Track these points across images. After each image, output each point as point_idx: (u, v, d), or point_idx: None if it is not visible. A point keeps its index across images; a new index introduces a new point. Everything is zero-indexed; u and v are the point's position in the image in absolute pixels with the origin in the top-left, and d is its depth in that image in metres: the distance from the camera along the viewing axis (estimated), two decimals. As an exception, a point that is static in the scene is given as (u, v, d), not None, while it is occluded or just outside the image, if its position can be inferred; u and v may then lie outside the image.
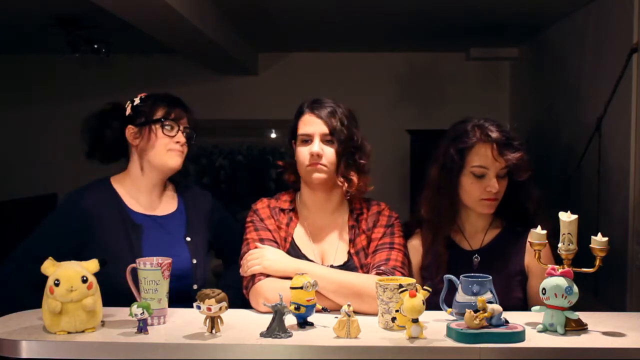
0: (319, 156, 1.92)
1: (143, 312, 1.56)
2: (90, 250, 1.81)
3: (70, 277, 1.56)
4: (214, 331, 1.57)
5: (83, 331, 1.58)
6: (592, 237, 1.63)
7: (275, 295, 1.64)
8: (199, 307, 1.55)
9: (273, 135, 6.24)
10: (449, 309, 1.73)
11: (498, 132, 1.98)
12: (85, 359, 1.52)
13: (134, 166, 2.07)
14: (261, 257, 1.88)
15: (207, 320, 1.57)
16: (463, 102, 5.48)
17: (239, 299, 1.87)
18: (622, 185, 3.35)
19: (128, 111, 2.06)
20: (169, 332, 1.61)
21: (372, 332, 1.60)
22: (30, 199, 5.30)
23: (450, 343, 1.52)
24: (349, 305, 1.55)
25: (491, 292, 1.70)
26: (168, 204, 2.12)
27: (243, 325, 1.66)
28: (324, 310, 1.77)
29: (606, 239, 1.63)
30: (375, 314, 1.70)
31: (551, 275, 1.62)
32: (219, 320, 1.58)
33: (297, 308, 1.62)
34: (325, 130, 1.93)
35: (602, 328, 1.63)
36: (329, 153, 1.93)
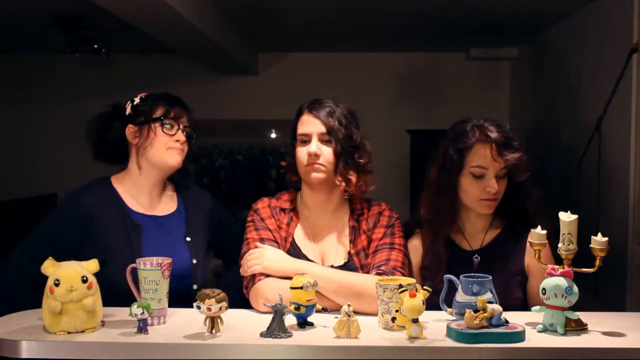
0: (317, 156, 1.92)
1: (143, 312, 1.56)
2: (90, 250, 1.81)
3: (70, 277, 1.56)
4: (214, 331, 1.57)
5: (83, 331, 1.58)
6: (592, 237, 1.63)
7: (275, 295, 1.64)
8: (199, 307, 1.55)
9: (273, 135, 6.24)
10: (449, 309, 1.73)
11: (497, 132, 1.97)
12: (85, 359, 1.52)
13: (133, 165, 2.07)
14: (261, 257, 1.88)
15: (207, 320, 1.57)
16: (463, 102, 5.48)
17: (239, 299, 1.87)
18: (622, 185, 3.35)
19: (128, 110, 2.07)
20: (169, 332, 1.61)
21: (372, 332, 1.60)
22: (30, 199, 5.30)
23: (450, 343, 1.52)
24: (349, 305, 1.55)
25: (491, 292, 1.70)
26: (168, 204, 2.12)
27: (243, 325, 1.66)
28: (324, 310, 1.77)
29: (606, 239, 1.63)
30: (375, 314, 1.70)
31: (551, 275, 1.62)
32: (219, 320, 1.58)
33: (297, 308, 1.62)
34: (323, 129, 1.93)
35: (602, 328, 1.63)
36: (326, 153, 1.93)
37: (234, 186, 6.24)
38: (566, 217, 1.65)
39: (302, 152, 1.95)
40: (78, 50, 4.64)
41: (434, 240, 2.05)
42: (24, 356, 1.52)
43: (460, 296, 1.71)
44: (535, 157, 2.13)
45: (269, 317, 1.58)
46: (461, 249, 2.07)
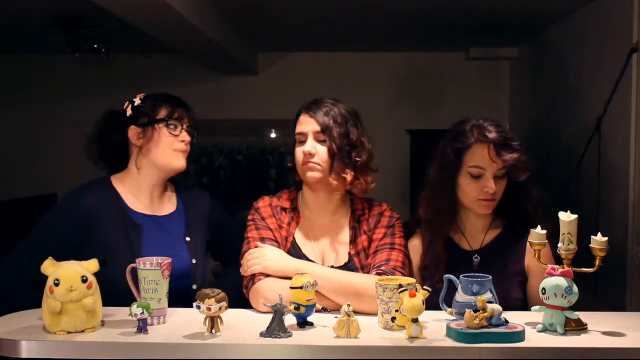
0: (312, 155, 1.92)
1: (143, 312, 1.56)
2: (90, 250, 1.81)
3: (70, 277, 1.56)
4: (214, 331, 1.57)
5: (83, 331, 1.58)
6: (592, 237, 1.63)
7: (275, 295, 1.64)
8: (199, 307, 1.55)
9: (273, 135, 6.24)
10: (449, 309, 1.73)
11: (496, 132, 1.97)
12: (85, 359, 1.52)
13: (135, 166, 2.07)
14: (261, 256, 1.88)
15: (207, 320, 1.57)
16: (463, 102, 5.48)
17: (239, 300, 1.87)
18: (622, 185, 3.35)
19: (129, 112, 2.06)
20: (169, 332, 1.60)
21: (372, 332, 1.60)
22: (30, 199, 5.30)
23: (450, 343, 1.52)
24: (349, 305, 1.55)
25: (491, 292, 1.70)
26: (168, 204, 2.12)
27: (243, 325, 1.66)
28: (324, 310, 1.77)
29: (606, 239, 1.63)
30: (375, 314, 1.70)
31: (551, 275, 1.62)
32: (219, 320, 1.58)
33: (297, 308, 1.62)
34: (318, 128, 1.93)
35: (602, 328, 1.63)
36: (321, 152, 1.93)
37: (234, 186, 6.24)
38: (566, 217, 1.65)
39: (299, 152, 1.96)
40: (78, 50, 4.64)
41: (433, 240, 2.05)
42: (24, 356, 1.52)
43: (460, 296, 1.71)
44: (535, 157, 2.13)
45: (269, 317, 1.58)
46: (461, 249, 2.07)
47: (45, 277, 1.57)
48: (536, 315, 1.65)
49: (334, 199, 2.01)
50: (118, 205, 2.02)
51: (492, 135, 1.96)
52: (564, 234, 1.64)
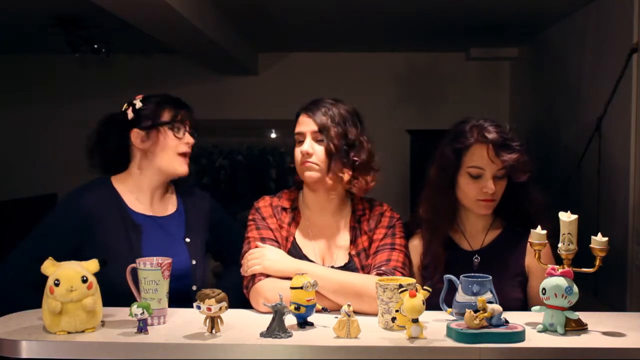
0: (309, 154, 1.92)
1: (143, 312, 1.56)
2: (90, 250, 1.81)
3: (70, 277, 1.56)
4: (214, 331, 1.57)
5: (83, 331, 1.57)
6: (592, 237, 1.63)
7: (275, 295, 1.64)
8: (199, 307, 1.55)
9: (273, 135, 6.24)
10: (449, 309, 1.73)
11: (496, 133, 1.96)
12: (85, 359, 1.52)
13: (137, 168, 2.07)
14: (261, 256, 1.88)
15: (207, 320, 1.57)
16: (463, 102, 5.49)
17: (239, 300, 1.87)
18: (622, 185, 3.35)
19: (130, 115, 2.05)
20: (169, 332, 1.60)
21: (372, 332, 1.60)
22: (30, 199, 5.30)
23: (450, 343, 1.52)
24: (349, 305, 1.55)
25: (491, 292, 1.70)
26: (168, 205, 2.12)
27: (243, 325, 1.66)
28: (324, 310, 1.77)
29: (606, 239, 1.63)
30: (375, 314, 1.70)
31: (551, 275, 1.62)
32: (219, 320, 1.58)
33: (297, 308, 1.62)
34: (315, 128, 1.93)
35: (602, 328, 1.63)
36: (319, 151, 1.93)
37: (234, 186, 6.24)
38: (566, 217, 1.65)
39: (297, 152, 1.96)
40: (78, 50, 4.64)
41: (433, 240, 2.05)
42: (24, 356, 1.52)
43: (460, 296, 1.71)
44: (535, 157, 2.13)
45: (269, 317, 1.58)
46: (461, 249, 2.07)
47: (45, 277, 1.57)
48: (536, 315, 1.65)
49: (334, 198, 2.01)
50: (118, 206, 2.02)
51: (491, 135, 1.96)
52: (564, 234, 1.64)
